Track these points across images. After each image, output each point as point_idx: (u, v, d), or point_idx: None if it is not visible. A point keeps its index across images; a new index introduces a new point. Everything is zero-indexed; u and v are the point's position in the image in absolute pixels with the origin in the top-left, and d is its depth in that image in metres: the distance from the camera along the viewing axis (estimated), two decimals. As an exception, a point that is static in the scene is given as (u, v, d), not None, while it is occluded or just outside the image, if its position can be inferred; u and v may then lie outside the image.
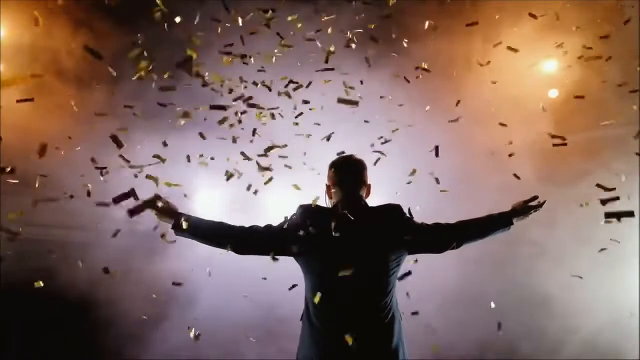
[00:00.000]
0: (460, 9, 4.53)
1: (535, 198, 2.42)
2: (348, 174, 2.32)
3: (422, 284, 3.84)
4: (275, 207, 3.86)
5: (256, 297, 3.80)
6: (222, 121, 3.18)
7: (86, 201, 3.58)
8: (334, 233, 2.10)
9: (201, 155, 3.64)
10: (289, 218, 2.23)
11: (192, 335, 2.81)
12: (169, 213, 2.18)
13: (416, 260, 2.78)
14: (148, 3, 3.56)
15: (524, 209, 2.40)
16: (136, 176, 3.10)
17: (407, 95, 4.43)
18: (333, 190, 2.34)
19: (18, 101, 3.26)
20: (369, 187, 2.38)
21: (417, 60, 4.35)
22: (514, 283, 3.55)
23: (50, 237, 3.95)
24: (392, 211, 2.25)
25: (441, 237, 2.27)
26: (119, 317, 3.93)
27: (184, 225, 2.14)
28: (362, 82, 3.99)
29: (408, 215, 2.29)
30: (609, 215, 2.16)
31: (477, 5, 4.47)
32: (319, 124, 3.91)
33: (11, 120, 4.02)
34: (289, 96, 3.64)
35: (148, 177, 3.28)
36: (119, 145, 2.39)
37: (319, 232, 2.13)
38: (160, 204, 2.16)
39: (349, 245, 2.12)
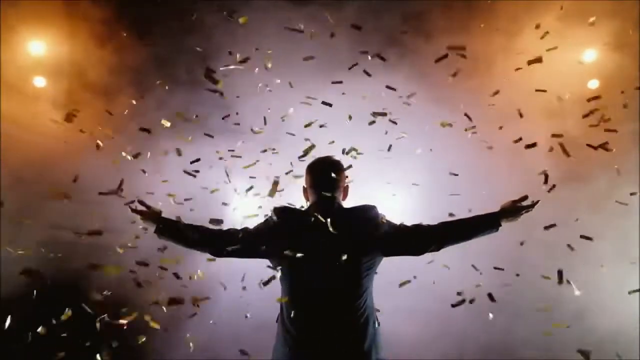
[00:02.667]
0: (481, 5, 4.43)
1: (525, 198, 2.27)
2: (322, 175, 2.30)
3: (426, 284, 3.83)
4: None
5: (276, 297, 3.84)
6: None
7: (117, 206, 3.77)
8: (305, 235, 2.11)
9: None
10: (264, 220, 2.27)
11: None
12: (152, 217, 2.24)
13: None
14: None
15: (513, 210, 2.25)
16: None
17: (427, 94, 4.38)
18: (309, 192, 2.34)
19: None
20: (345, 188, 2.36)
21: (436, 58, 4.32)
22: (526, 283, 3.45)
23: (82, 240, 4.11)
24: (366, 212, 2.22)
25: (419, 239, 2.21)
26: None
27: (166, 228, 2.22)
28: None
29: (383, 215, 2.24)
30: None
31: (496, 3, 4.37)
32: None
33: (49, 130, 4.28)
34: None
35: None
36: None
37: (291, 234, 2.14)
38: (143, 208, 2.25)
39: (320, 247, 2.10)
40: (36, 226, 3.85)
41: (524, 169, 3.95)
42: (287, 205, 2.30)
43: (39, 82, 4.44)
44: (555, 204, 3.71)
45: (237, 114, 4.05)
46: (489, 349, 3.83)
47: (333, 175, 2.29)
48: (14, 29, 4.17)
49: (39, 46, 4.35)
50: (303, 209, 2.32)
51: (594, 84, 4.37)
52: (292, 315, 2.14)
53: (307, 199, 2.37)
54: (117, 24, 4.07)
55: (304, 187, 2.38)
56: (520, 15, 4.16)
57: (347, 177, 2.41)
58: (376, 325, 2.21)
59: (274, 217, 2.22)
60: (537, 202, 2.27)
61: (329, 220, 2.12)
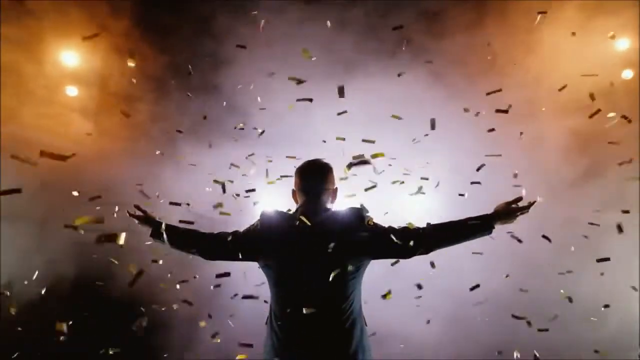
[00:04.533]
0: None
1: (519, 199, 2.18)
2: (309, 178, 2.29)
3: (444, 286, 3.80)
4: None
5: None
6: None
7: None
8: (290, 238, 2.11)
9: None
10: (252, 224, 2.28)
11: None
12: (148, 221, 2.33)
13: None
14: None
15: (507, 212, 2.16)
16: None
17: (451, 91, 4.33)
18: (297, 195, 2.33)
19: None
20: (334, 190, 2.33)
21: (457, 55, 4.27)
22: (543, 284, 3.36)
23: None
24: (352, 215, 2.18)
25: (407, 242, 2.12)
26: (171, 318, 4.20)
27: (160, 232, 2.28)
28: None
29: (370, 218, 2.20)
30: None
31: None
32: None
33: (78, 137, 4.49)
34: None
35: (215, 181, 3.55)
36: None
37: (276, 237, 2.14)
38: (139, 213, 2.34)
39: (306, 250, 2.10)
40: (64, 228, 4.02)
41: (542, 167, 3.88)
42: (275, 208, 2.30)
43: (69, 91, 4.67)
44: (572, 201, 3.64)
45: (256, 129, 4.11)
46: (505, 351, 3.76)
47: (320, 177, 2.28)
48: (46, 41, 4.39)
49: (70, 57, 4.58)
50: (290, 212, 2.30)
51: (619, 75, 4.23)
52: (278, 317, 2.14)
53: (296, 202, 2.35)
54: (140, 35, 4.23)
55: (293, 190, 2.37)
56: (535, 9, 4.05)
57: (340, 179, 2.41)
58: (364, 328, 2.19)
59: (261, 221, 2.23)
60: (533, 203, 2.18)
61: (314, 222, 2.11)
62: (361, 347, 2.11)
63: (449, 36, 4.27)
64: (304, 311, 2.05)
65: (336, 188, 2.35)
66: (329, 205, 2.29)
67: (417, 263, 3.78)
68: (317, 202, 2.24)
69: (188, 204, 3.67)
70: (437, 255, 3.56)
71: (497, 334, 3.86)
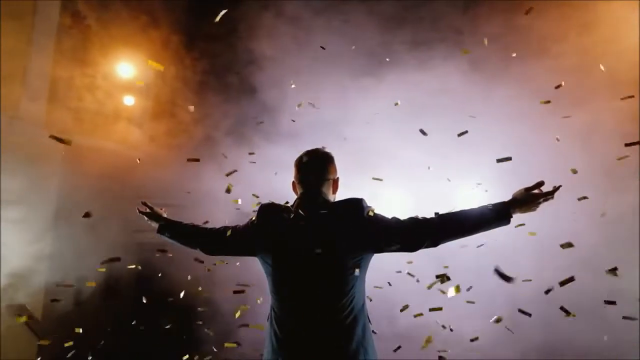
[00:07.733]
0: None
1: (540, 184, 1.95)
2: (307, 169, 2.19)
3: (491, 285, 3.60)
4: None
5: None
6: None
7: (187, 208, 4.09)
8: (287, 232, 2.04)
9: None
10: (251, 218, 2.22)
11: None
12: (155, 217, 2.40)
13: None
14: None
15: (526, 199, 1.94)
16: None
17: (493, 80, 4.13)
18: (297, 187, 2.24)
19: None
20: (335, 181, 2.22)
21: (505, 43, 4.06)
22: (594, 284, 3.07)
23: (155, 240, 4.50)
24: (351, 206, 2.07)
25: (412, 234, 2.00)
26: (216, 314, 4.33)
27: (165, 228, 2.35)
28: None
29: (371, 209, 2.07)
30: None
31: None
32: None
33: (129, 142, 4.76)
34: None
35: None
36: None
37: (273, 231, 2.08)
38: (147, 210, 2.41)
39: (303, 243, 2.01)
40: (117, 229, 4.28)
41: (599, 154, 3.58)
42: (272, 201, 2.21)
43: (126, 101, 4.97)
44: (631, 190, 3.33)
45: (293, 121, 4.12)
46: (552, 352, 3.52)
47: (318, 168, 2.18)
48: (97, 52, 4.70)
49: (122, 69, 4.88)
50: (287, 205, 2.20)
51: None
52: (277, 313, 2.08)
53: (296, 194, 2.25)
54: (179, 42, 4.41)
55: (293, 182, 2.28)
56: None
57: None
58: (367, 326, 2.07)
59: (258, 215, 2.17)
60: (558, 188, 1.95)
61: (312, 215, 2.04)
62: (363, 347, 1.99)
63: (486, 18, 4.04)
64: (302, 307, 2.00)
65: (337, 178, 2.25)
66: (329, 197, 2.20)
67: (468, 258, 3.68)
68: (316, 194, 2.15)
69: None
70: (486, 251, 3.47)
71: (551, 333, 3.62)
